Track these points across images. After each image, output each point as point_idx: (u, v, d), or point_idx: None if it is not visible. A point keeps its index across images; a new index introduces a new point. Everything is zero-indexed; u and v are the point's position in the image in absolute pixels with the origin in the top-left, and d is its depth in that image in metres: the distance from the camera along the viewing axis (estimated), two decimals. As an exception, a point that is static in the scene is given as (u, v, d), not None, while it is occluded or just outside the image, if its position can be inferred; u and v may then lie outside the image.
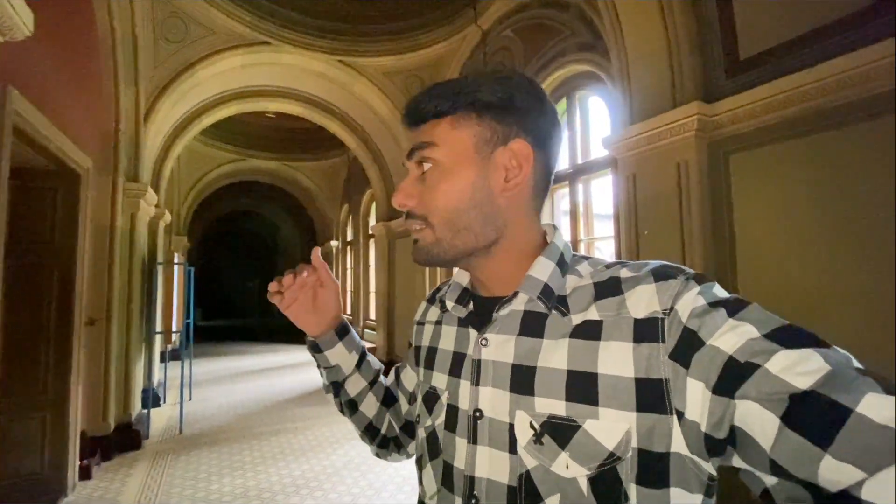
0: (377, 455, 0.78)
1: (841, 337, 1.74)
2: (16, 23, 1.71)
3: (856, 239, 1.81)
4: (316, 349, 0.71)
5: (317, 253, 0.70)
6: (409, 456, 0.78)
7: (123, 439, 3.71)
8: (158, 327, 5.02)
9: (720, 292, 0.44)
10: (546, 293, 0.51)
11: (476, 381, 0.53)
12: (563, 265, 0.54)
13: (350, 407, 0.73)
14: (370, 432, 0.75)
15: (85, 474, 3.14)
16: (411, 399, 0.73)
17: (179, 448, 3.88)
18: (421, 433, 0.60)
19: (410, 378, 0.73)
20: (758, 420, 0.35)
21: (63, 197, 2.96)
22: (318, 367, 0.74)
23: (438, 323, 0.65)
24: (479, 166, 0.52)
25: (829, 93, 1.86)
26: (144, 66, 3.90)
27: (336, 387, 0.73)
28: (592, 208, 3.65)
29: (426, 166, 0.54)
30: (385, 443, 0.76)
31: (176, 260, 7.52)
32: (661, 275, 0.46)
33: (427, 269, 5.38)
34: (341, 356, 0.71)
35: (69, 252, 2.96)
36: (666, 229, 2.45)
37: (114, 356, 3.57)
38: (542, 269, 0.53)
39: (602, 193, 3.69)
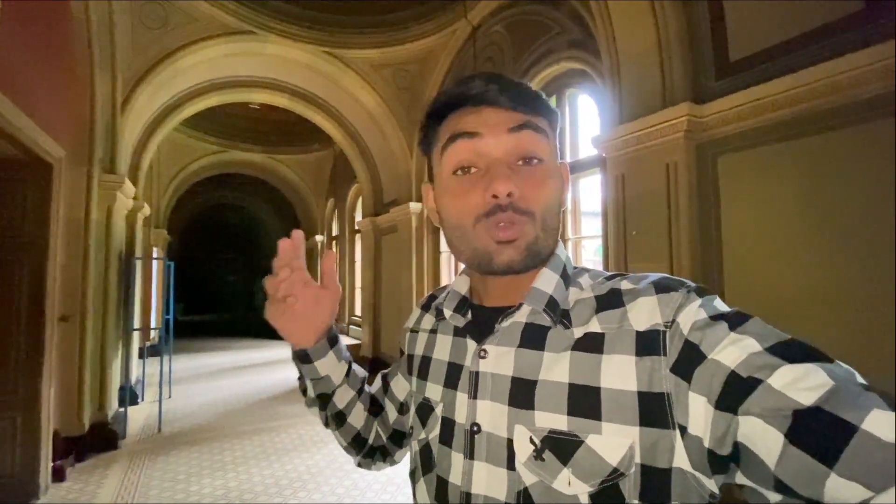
0: (359, 465, 0.76)
1: (826, 339, 1.77)
2: (-20, 4, 1.61)
3: (843, 241, 1.84)
4: (305, 360, 0.65)
5: (331, 259, 0.64)
6: (393, 464, 0.76)
7: (99, 439, 3.60)
8: (136, 323, 4.89)
9: (721, 305, 0.44)
10: (551, 306, 0.50)
11: (474, 395, 0.51)
12: (566, 277, 0.53)
13: (338, 419, 0.69)
14: (357, 443, 0.71)
15: (58, 476, 3.04)
16: (402, 409, 0.70)
17: (158, 448, 3.78)
18: (414, 446, 0.59)
19: (402, 387, 0.70)
20: (761, 437, 0.34)
21: (34, 188, 2.84)
22: (302, 378, 0.69)
23: (433, 332, 0.63)
24: (560, 176, 0.53)
25: (819, 96, 1.88)
26: (122, 53, 3.76)
27: (324, 399, 0.68)
28: (580, 207, 3.66)
29: (534, 161, 0.50)
30: (371, 452, 0.73)
31: (155, 254, 7.33)
32: (662, 287, 0.46)
33: (413, 266, 5.35)
34: (331, 366, 0.66)
35: (40, 246, 2.84)
36: (654, 229, 2.46)
37: (89, 353, 3.46)
38: (548, 282, 0.52)
39: (590, 192, 3.70)
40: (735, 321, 0.40)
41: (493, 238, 0.48)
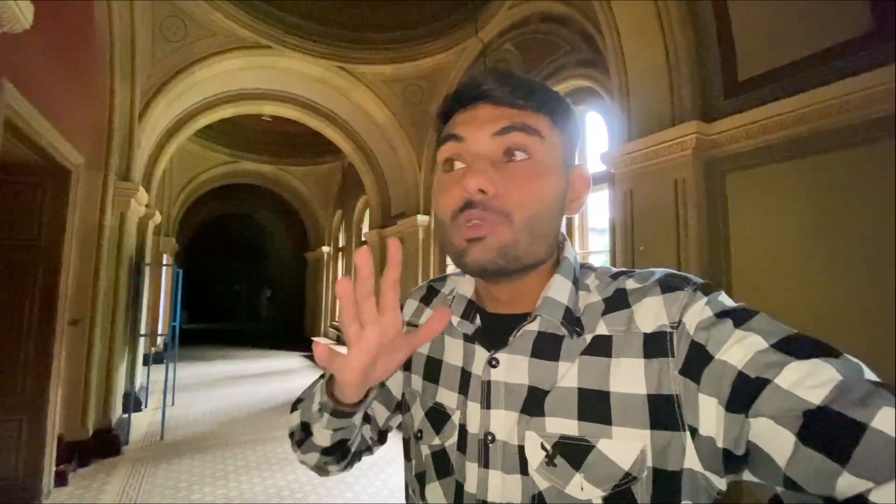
0: (333, 474, 0.66)
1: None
2: (15, 14, 1.68)
3: (851, 260, 1.83)
4: (344, 415, 0.52)
5: (444, 317, 0.44)
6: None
7: (102, 445, 3.60)
8: (143, 329, 4.91)
9: (727, 301, 0.43)
10: (568, 317, 0.49)
11: (486, 404, 0.50)
12: (576, 282, 0.52)
13: (341, 455, 0.62)
14: (342, 457, 0.62)
15: (61, 480, 3.04)
16: (397, 407, 0.65)
17: (160, 455, 3.78)
18: (424, 450, 0.56)
19: (398, 385, 0.64)
20: (772, 437, 0.34)
21: (51, 193, 2.90)
22: (307, 428, 0.57)
23: None
24: (562, 178, 0.50)
25: (827, 116, 1.90)
26: (141, 63, 3.86)
27: (339, 445, 0.59)
28: (588, 222, 3.67)
29: (518, 155, 0.47)
30: (352, 459, 0.66)
31: (164, 261, 7.39)
32: (667, 286, 0.46)
33: (420, 278, 5.35)
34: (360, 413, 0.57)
35: (55, 250, 2.89)
36: (662, 245, 2.46)
37: (95, 358, 3.48)
38: (561, 290, 0.50)
39: (598, 207, 3.72)
40: (740, 318, 0.40)
41: (463, 235, 0.46)
